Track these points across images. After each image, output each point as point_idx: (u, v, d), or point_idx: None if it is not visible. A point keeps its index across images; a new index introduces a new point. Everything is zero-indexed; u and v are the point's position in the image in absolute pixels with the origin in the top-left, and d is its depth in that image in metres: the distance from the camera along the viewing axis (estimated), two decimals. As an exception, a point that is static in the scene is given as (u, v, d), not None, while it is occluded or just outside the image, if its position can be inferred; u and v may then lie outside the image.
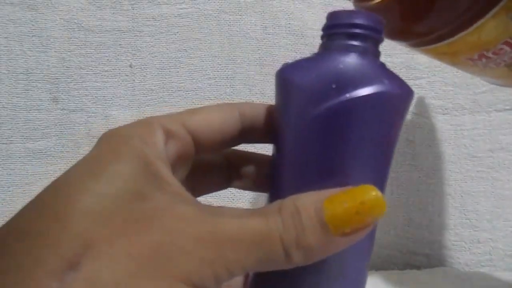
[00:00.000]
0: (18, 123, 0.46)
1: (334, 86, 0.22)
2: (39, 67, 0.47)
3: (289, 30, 0.50)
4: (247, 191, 0.31)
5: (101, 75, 0.48)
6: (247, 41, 0.49)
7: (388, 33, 0.25)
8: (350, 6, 0.31)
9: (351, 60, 0.22)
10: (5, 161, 0.46)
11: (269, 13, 0.49)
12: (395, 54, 0.49)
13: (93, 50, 0.48)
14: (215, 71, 0.49)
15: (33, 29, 0.47)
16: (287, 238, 0.19)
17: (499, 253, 0.50)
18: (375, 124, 0.22)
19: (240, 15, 0.49)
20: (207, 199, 0.28)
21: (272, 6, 0.49)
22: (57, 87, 0.47)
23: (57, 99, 0.47)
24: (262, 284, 0.25)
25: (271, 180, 0.26)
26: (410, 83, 0.24)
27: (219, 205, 0.49)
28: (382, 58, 0.24)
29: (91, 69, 0.48)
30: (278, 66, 0.25)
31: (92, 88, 0.48)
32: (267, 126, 0.26)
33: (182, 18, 0.49)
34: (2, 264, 0.17)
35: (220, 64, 0.49)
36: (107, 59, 0.48)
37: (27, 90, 0.47)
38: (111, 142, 0.21)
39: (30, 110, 0.47)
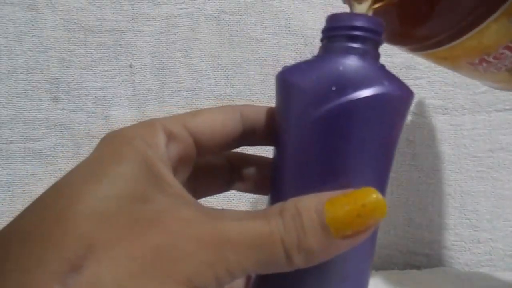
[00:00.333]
0: (18, 123, 0.46)
1: (334, 88, 0.22)
2: (39, 67, 0.47)
3: (289, 30, 0.50)
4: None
5: (101, 75, 0.48)
6: (247, 41, 0.49)
7: (387, 38, 0.25)
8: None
9: (351, 62, 0.22)
10: (5, 161, 0.46)
11: (269, 13, 0.49)
12: (395, 54, 0.49)
13: (93, 50, 0.48)
14: (215, 71, 0.49)
15: (33, 29, 0.47)
16: (288, 240, 0.19)
17: (499, 253, 0.50)
18: (376, 126, 0.22)
19: (240, 15, 0.49)
20: (207, 199, 0.28)
21: (272, 6, 0.49)
22: (57, 87, 0.47)
23: (57, 99, 0.47)
24: (264, 286, 0.25)
25: (272, 182, 0.26)
26: (410, 83, 0.24)
27: (219, 205, 0.49)
28: (382, 58, 0.24)
29: (91, 69, 0.48)
30: (278, 66, 0.25)
31: (92, 88, 0.48)
32: (268, 128, 0.26)
33: (182, 18, 0.49)
34: (4, 267, 0.17)
35: (220, 64, 0.49)
36: (107, 59, 0.48)
37: (27, 90, 0.47)
38: (113, 143, 0.21)
39: (30, 110, 0.47)
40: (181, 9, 0.49)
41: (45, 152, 0.47)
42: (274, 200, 0.25)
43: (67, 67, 0.47)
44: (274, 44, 0.49)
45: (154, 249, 0.18)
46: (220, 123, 0.25)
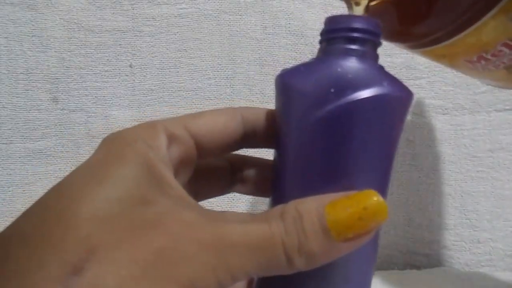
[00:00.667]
0: (18, 123, 0.46)
1: (333, 90, 0.22)
2: (39, 67, 0.47)
3: (289, 30, 0.50)
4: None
5: (101, 75, 0.48)
6: (247, 41, 0.49)
7: (386, 35, 0.25)
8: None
9: (350, 64, 0.22)
10: (5, 161, 0.46)
11: (269, 13, 0.49)
12: (395, 54, 0.49)
13: (93, 50, 0.48)
14: (215, 71, 0.49)
15: (33, 29, 0.47)
16: (289, 243, 0.19)
17: (499, 253, 0.50)
18: (375, 127, 0.22)
19: (240, 15, 0.49)
20: (207, 199, 0.28)
21: (272, 6, 0.49)
22: (57, 87, 0.47)
23: (57, 99, 0.47)
24: None
25: (273, 184, 0.26)
26: (410, 83, 0.24)
27: (219, 205, 0.49)
28: (382, 59, 0.24)
29: (91, 69, 0.48)
30: (278, 66, 0.25)
31: (92, 88, 0.48)
32: (269, 130, 0.26)
33: (182, 18, 0.49)
34: (5, 269, 0.17)
35: (220, 64, 0.49)
36: (107, 59, 0.48)
37: (27, 90, 0.47)
38: (114, 145, 0.21)
39: (30, 110, 0.47)
40: (181, 9, 0.49)
41: (45, 152, 0.47)
42: (275, 202, 0.25)
43: (67, 67, 0.47)
44: (274, 44, 0.49)
45: (156, 252, 0.18)
46: (221, 125, 0.25)
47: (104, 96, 0.48)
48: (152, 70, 0.48)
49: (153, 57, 0.48)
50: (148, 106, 0.48)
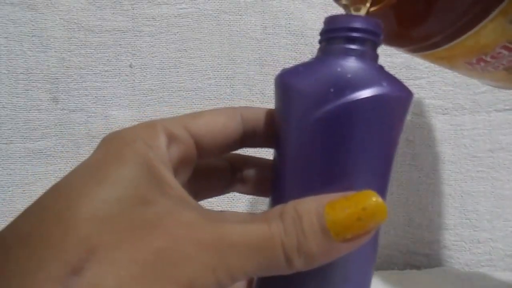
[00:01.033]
0: (18, 123, 0.46)
1: (333, 90, 0.22)
2: (39, 67, 0.47)
3: (289, 30, 0.50)
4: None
5: (101, 75, 0.48)
6: (247, 41, 0.49)
7: (385, 39, 0.25)
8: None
9: (349, 64, 0.22)
10: (5, 161, 0.46)
11: (269, 13, 0.49)
12: (395, 54, 0.49)
13: (93, 50, 0.48)
14: (215, 71, 0.49)
15: (33, 29, 0.47)
16: (288, 243, 0.19)
17: (499, 253, 0.50)
18: (375, 127, 0.22)
19: (240, 15, 0.49)
20: (207, 199, 0.28)
21: (272, 6, 0.49)
22: (57, 87, 0.47)
23: (57, 99, 0.47)
24: None
25: (273, 184, 0.26)
26: (410, 83, 0.24)
27: (219, 205, 0.49)
28: (382, 59, 0.24)
29: (91, 69, 0.48)
30: (278, 66, 0.25)
31: (92, 88, 0.48)
32: (268, 130, 0.26)
33: (182, 18, 0.49)
34: (5, 269, 0.17)
35: (220, 64, 0.49)
36: (107, 59, 0.48)
37: (27, 90, 0.47)
38: (114, 144, 0.21)
39: (30, 110, 0.47)
40: (181, 9, 0.49)
41: (45, 152, 0.47)
42: (275, 202, 0.25)
43: (67, 67, 0.47)
44: (274, 44, 0.49)
45: (156, 252, 0.18)
46: (221, 125, 0.24)
47: (104, 96, 0.48)
48: (152, 70, 0.48)
49: (153, 57, 0.48)
50: (148, 106, 0.48)
